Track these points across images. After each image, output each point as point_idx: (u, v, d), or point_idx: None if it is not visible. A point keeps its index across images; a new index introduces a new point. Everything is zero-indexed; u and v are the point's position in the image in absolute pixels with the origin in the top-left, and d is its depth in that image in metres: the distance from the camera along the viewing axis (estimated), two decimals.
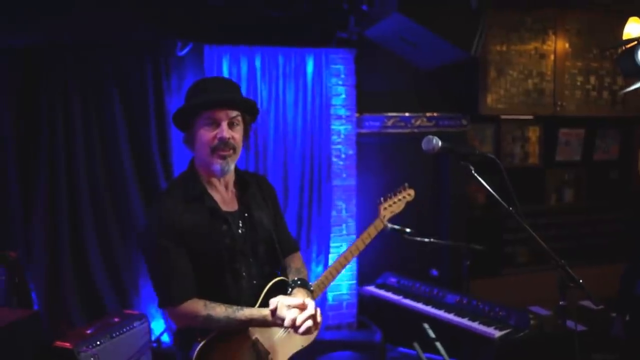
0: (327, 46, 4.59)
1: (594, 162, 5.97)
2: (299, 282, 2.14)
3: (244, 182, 2.16)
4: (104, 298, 4.32)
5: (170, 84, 4.36)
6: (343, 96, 4.74)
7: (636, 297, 3.90)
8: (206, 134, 1.98)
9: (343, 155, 4.77)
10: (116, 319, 3.95)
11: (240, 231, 2.08)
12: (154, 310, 4.44)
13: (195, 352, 1.88)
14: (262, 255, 2.13)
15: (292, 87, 4.56)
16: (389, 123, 4.86)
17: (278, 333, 2.11)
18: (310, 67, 4.57)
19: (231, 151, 2.01)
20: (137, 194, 4.37)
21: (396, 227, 3.48)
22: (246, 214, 2.12)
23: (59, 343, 3.39)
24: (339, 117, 4.73)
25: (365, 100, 4.82)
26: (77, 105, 4.18)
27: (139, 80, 4.31)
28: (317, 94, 4.60)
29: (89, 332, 3.67)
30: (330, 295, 4.76)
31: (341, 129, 4.74)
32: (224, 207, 2.08)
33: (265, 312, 1.95)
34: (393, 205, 2.67)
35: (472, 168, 2.26)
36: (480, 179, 2.25)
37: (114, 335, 3.75)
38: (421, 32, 3.52)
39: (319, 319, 1.96)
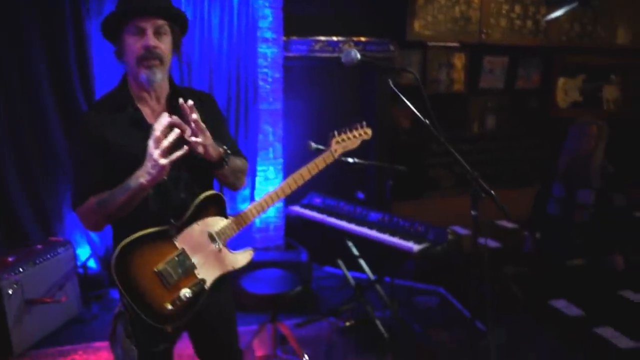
0: None
1: (515, 90, 6.14)
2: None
3: (178, 95, 2.07)
4: (26, 227, 4.21)
5: (88, 8, 4.15)
6: (270, 19, 4.63)
7: (547, 216, 4.16)
8: (132, 43, 1.95)
9: (270, 79, 4.71)
10: (39, 246, 3.89)
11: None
12: (79, 236, 4.37)
13: (116, 251, 1.89)
14: (192, 168, 2.09)
15: (217, 9, 4.42)
16: (317, 47, 4.81)
17: (208, 249, 2.09)
18: None
19: (157, 61, 1.98)
20: (57, 122, 4.23)
21: (321, 147, 3.50)
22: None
23: None
24: (266, 40, 4.65)
25: (293, 24, 4.74)
26: None
27: (56, 4, 4.07)
28: (243, 15, 4.49)
29: (10, 259, 3.62)
30: (257, 218, 4.80)
31: (268, 52, 4.67)
32: (152, 120, 2.01)
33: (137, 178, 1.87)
34: (347, 141, 2.49)
35: (390, 81, 2.30)
36: (398, 92, 2.29)
37: (37, 262, 3.71)
38: None
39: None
